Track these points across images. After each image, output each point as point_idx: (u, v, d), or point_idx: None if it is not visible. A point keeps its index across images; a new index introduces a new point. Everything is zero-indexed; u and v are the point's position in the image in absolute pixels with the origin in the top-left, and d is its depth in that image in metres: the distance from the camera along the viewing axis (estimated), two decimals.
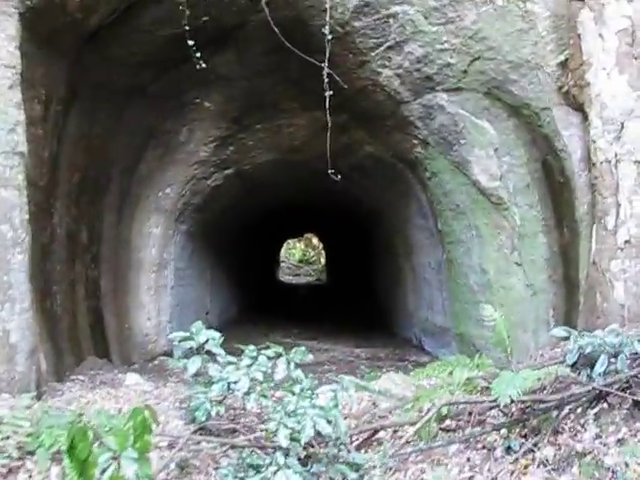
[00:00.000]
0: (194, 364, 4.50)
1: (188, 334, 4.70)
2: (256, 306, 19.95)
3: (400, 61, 7.58)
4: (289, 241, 36.10)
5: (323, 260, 36.67)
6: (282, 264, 36.07)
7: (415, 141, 8.59)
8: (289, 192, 14.62)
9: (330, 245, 29.97)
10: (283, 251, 35.80)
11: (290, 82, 8.96)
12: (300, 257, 39.93)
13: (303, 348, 4.74)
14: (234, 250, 16.95)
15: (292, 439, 3.66)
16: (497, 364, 7.35)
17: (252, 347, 4.62)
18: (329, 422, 3.70)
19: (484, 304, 7.78)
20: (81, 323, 7.76)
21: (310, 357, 4.70)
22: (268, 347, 4.72)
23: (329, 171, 7.90)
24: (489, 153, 7.50)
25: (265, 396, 4.27)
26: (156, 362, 9.74)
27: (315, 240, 37.28)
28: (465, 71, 7.21)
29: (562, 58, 6.16)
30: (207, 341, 4.66)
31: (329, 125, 7.49)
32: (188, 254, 12.12)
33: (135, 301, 9.62)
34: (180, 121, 9.45)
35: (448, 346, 9.86)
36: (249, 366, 4.39)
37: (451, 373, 4.62)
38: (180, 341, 4.65)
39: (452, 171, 8.15)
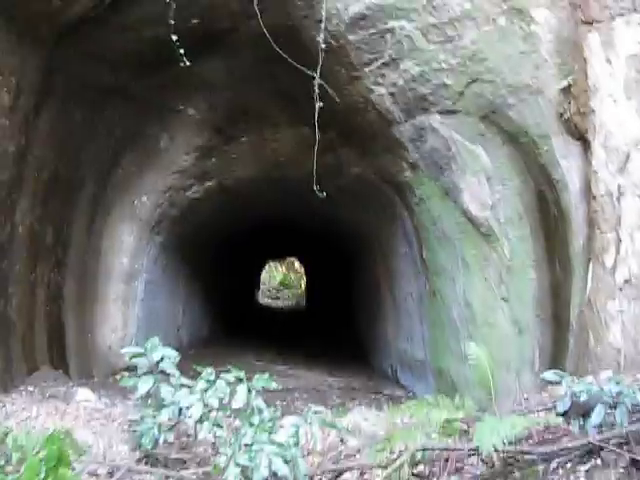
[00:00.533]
0: (145, 384, 4.06)
1: (141, 350, 4.27)
2: (231, 327, 19.46)
3: (394, 79, 7.21)
4: (271, 264, 35.80)
5: (304, 285, 36.35)
6: (262, 286, 35.71)
7: (404, 164, 8.22)
8: (272, 211, 14.23)
9: (311, 270, 29.57)
10: (265, 274, 35.47)
11: (279, 94, 8.60)
12: (281, 280, 39.63)
13: (267, 375, 4.31)
14: (212, 267, 16.51)
15: (245, 477, 3.23)
16: (478, 405, 6.95)
17: (210, 370, 4.18)
18: (287, 462, 3.25)
19: (467, 340, 7.41)
20: (38, 330, 7.26)
21: (274, 385, 4.27)
22: (229, 370, 4.29)
23: (315, 187, 7.49)
24: (481, 180, 7.13)
25: (219, 425, 3.82)
26: (118, 377, 9.26)
27: (297, 264, 37.03)
28: (461, 93, 6.86)
29: (565, 83, 5.80)
30: (162, 359, 4.23)
31: (317, 138, 7.10)
32: (161, 267, 11.67)
33: (101, 311, 9.14)
34: (161, 127, 9.06)
35: (425, 381, 9.44)
36: (205, 390, 3.95)
37: (428, 414, 4.20)
38: (131, 357, 4.21)
39: (441, 197, 7.78)
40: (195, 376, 4.29)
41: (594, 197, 5.33)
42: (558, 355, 6.24)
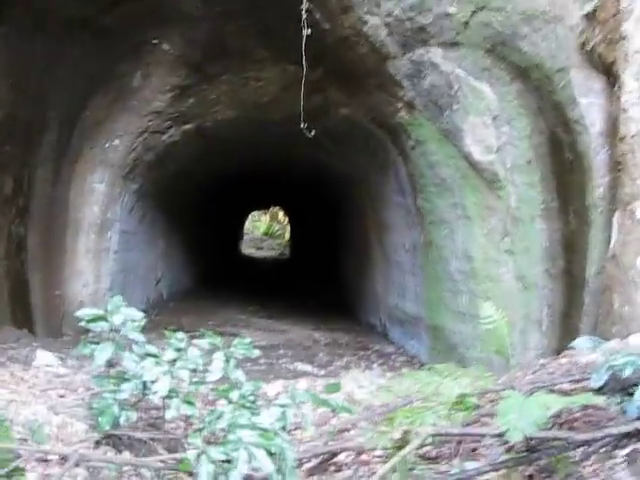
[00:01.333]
0: (102, 353, 3.42)
1: (100, 312, 3.63)
2: (214, 278, 18.88)
3: (390, 8, 6.48)
4: (254, 213, 35.21)
5: (288, 235, 35.87)
6: (246, 236, 35.18)
7: (399, 104, 7.52)
8: (254, 158, 13.48)
9: (296, 219, 28.93)
10: (248, 223, 34.89)
11: (262, 28, 7.85)
12: (265, 230, 39.18)
13: (248, 340, 3.67)
14: (193, 217, 15.81)
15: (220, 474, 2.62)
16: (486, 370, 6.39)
17: (180, 335, 3.54)
18: (271, 454, 2.62)
19: (467, 296, 6.84)
20: None
21: (256, 352, 3.63)
22: (202, 335, 3.66)
23: (302, 125, 6.85)
24: (486, 121, 6.47)
25: (191, 402, 3.20)
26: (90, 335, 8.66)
27: (281, 214, 36.52)
28: (466, 23, 6.15)
29: (589, 8, 5.10)
30: (125, 323, 3.59)
31: (304, 70, 6.39)
32: (138, 217, 10.97)
33: (70, 265, 8.47)
34: (134, 64, 8.27)
35: (418, 337, 8.89)
36: (174, 361, 3.32)
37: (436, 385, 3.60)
38: (89, 321, 3.56)
39: (440, 140, 7.10)
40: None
41: (622, 139, 4.67)
42: (570, 315, 5.68)
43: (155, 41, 8.04)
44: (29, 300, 7.39)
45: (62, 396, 4.22)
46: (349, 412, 3.49)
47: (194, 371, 3.33)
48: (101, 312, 3.64)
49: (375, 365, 8.55)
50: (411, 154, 7.86)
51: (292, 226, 32.29)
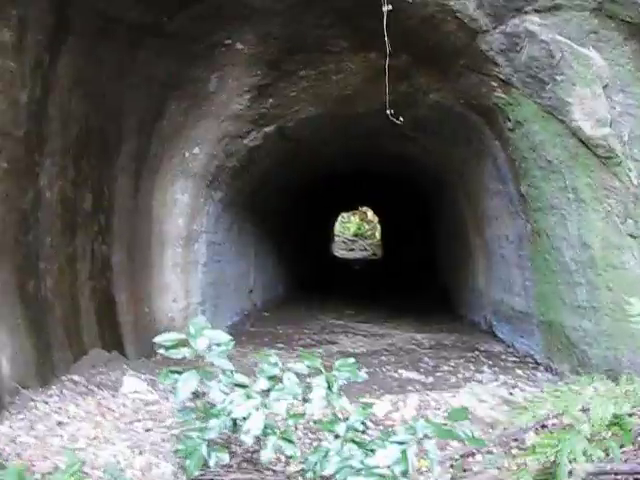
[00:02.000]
0: (186, 385, 2.99)
1: (181, 336, 3.20)
2: (307, 283, 18.54)
3: None
4: (343, 215, 34.84)
5: (378, 234, 35.36)
6: (336, 238, 34.87)
7: (494, 83, 6.88)
8: (339, 157, 13.00)
9: (386, 218, 28.31)
10: (338, 225, 34.56)
11: (338, 16, 7.31)
12: (355, 231, 38.85)
13: (351, 360, 3.17)
14: (282, 222, 15.46)
15: None
16: (612, 370, 5.69)
17: (273, 359, 3.07)
18: None
19: (600, 290, 6.15)
20: (84, 309, 6.32)
21: (363, 376, 3.13)
22: (300, 358, 3.18)
23: (388, 112, 6.33)
24: (596, 91, 5.76)
25: (289, 440, 2.72)
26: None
27: (370, 214, 36.08)
28: None
29: None
30: (210, 348, 3.15)
31: (387, 51, 5.85)
32: (226, 226, 10.65)
33: (157, 281, 8.16)
34: (208, 67, 7.87)
35: (530, 335, 8.19)
36: (267, 391, 2.86)
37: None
38: (169, 348, 3.14)
39: (543, 118, 6.42)
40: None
41: None
42: None
43: (228, 41, 7.63)
44: (117, 320, 7.11)
45: (148, 430, 3.84)
46: (482, 444, 2.93)
47: (293, 401, 2.86)
48: (182, 336, 3.22)
49: (485, 368, 7.91)
50: (510, 137, 7.20)
51: (382, 225, 31.74)
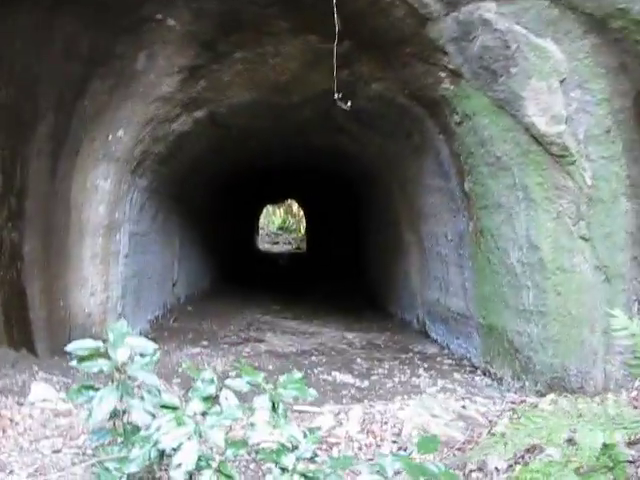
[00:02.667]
0: (103, 404, 2.49)
1: (97, 344, 2.70)
2: (231, 276, 18.01)
3: None
4: (268, 207, 34.38)
5: (303, 228, 35.06)
6: (261, 231, 34.43)
7: (442, 73, 6.54)
8: (270, 146, 12.48)
9: (312, 212, 27.91)
10: (262, 218, 34.06)
11: None
12: (280, 224, 38.48)
13: (298, 376, 2.72)
14: (208, 212, 14.89)
15: None
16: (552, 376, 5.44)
17: (208, 374, 2.60)
18: None
19: (532, 291, 5.86)
20: None
21: (312, 393, 2.69)
22: (238, 370, 2.73)
23: (336, 96, 5.96)
24: (552, 85, 5.47)
25: (228, 476, 2.26)
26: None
27: (295, 207, 35.74)
28: None
29: None
30: (132, 359, 2.66)
31: (337, 29, 5.45)
32: (150, 215, 10.04)
33: (74, 272, 7.51)
34: (136, 44, 7.27)
35: (467, 337, 7.91)
36: (202, 414, 2.39)
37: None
38: (83, 360, 2.63)
39: (494, 112, 6.11)
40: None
41: None
42: None
43: (159, 16, 7.04)
44: (28, 315, 6.46)
45: (57, 451, 3.29)
46: None
47: (231, 426, 2.41)
48: (99, 343, 2.71)
49: (421, 371, 7.59)
50: (457, 131, 6.87)
51: (308, 219, 31.37)
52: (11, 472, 2.94)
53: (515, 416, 3.91)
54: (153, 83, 7.72)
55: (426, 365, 7.94)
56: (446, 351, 8.70)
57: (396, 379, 7.18)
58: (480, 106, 6.26)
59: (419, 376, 7.34)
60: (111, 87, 7.49)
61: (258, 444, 2.44)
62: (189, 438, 2.24)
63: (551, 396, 4.64)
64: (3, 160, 5.88)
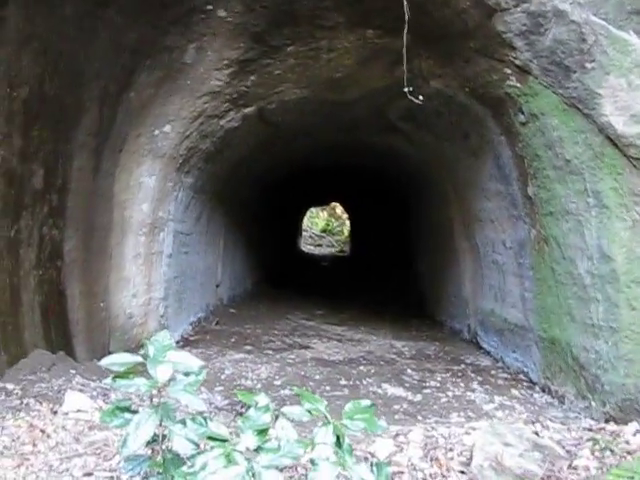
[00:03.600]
0: (140, 430, 2.16)
1: (135, 359, 2.37)
2: (275, 278, 17.76)
3: None
4: (312, 210, 34.12)
5: (346, 231, 34.77)
6: (304, 233, 34.22)
7: (508, 70, 6.12)
8: (319, 146, 12.15)
9: (357, 214, 27.53)
10: (306, 220, 33.83)
11: None
12: (323, 227, 38.26)
13: (367, 404, 2.35)
14: (252, 213, 14.62)
15: None
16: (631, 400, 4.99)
17: (263, 399, 2.25)
18: None
19: (621, 308, 5.40)
20: (26, 302, 5.43)
21: (383, 427, 2.32)
22: (298, 398, 2.37)
23: (405, 89, 5.65)
24: (633, 82, 5.03)
25: None
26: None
27: (339, 210, 35.46)
28: None
29: None
30: (174, 378, 2.32)
31: (407, 17, 5.09)
32: (195, 215, 9.79)
33: (116, 272, 7.27)
34: (185, 36, 6.99)
35: (525, 351, 7.46)
36: (256, 450, 2.04)
37: None
38: (118, 378, 2.30)
39: (564, 112, 5.67)
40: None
41: None
42: None
43: (209, 7, 6.75)
44: (67, 316, 6.21)
45: (89, 474, 2.97)
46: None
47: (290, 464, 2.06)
48: (137, 358, 2.38)
49: (475, 385, 7.19)
50: (521, 131, 6.44)
51: (352, 222, 31.02)
52: None
53: (597, 447, 3.49)
54: (202, 77, 7.45)
55: (480, 379, 7.52)
56: (500, 364, 8.26)
57: (450, 393, 6.79)
58: (549, 105, 5.83)
59: (474, 390, 6.94)
60: (158, 80, 7.23)
61: None
62: (240, 477, 1.90)
63: (634, 425, 4.20)
64: (45, 155, 5.62)
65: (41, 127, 5.49)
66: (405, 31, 5.53)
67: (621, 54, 5.01)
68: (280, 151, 11.53)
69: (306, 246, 33.96)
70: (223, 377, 7.05)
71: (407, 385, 7.10)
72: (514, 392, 6.82)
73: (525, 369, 7.48)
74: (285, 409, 2.23)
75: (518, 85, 6.12)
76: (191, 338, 9.34)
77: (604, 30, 5.02)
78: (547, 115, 5.91)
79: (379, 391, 6.78)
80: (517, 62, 5.93)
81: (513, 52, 5.88)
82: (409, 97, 5.81)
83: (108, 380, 2.31)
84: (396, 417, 5.62)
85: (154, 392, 2.32)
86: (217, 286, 12.10)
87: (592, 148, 5.47)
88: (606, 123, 5.24)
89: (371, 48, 7.23)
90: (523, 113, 6.27)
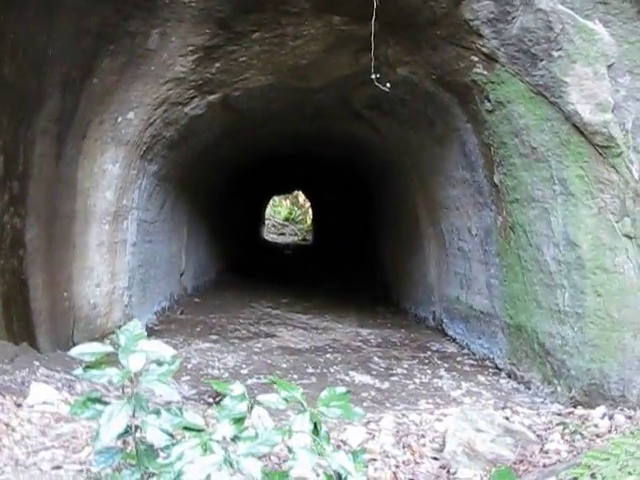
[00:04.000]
0: (113, 422, 2.11)
1: (106, 349, 2.31)
2: (238, 267, 17.67)
3: None
4: (274, 198, 34.00)
5: (309, 220, 34.73)
6: (267, 222, 34.12)
7: (475, 57, 6.13)
8: (283, 135, 12.08)
9: (319, 203, 27.51)
10: (268, 209, 33.71)
11: None
12: (286, 215, 38.19)
13: (343, 390, 2.33)
14: (216, 201, 14.52)
15: None
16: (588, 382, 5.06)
17: (237, 388, 2.21)
18: None
19: (586, 295, 5.46)
20: None
21: (360, 413, 2.30)
22: (271, 382, 2.35)
23: (372, 76, 5.63)
24: (598, 71, 5.07)
25: None
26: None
27: (302, 198, 35.41)
28: None
29: None
30: (147, 368, 2.28)
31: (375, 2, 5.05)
32: (159, 203, 9.68)
33: (79, 261, 7.14)
34: (149, 21, 6.83)
35: (490, 337, 7.53)
36: (232, 440, 2.01)
37: None
38: (89, 368, 2.25)
39: (531, 100, 5.71)
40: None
41: None
42: None
43: None
44: (29, 306, 6.08)
45: (57, 467, 2.91)
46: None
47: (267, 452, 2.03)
48: (108, 348, 2.32)
49: (442, 371, 7.24)
50: (488, 119, 6.48)
51: (315, 210, 30.99)
52: None
53: (567, 431, 3.53)
54: (166, 63, 7.33)
55: (446, 365, 7.58)
56: (466, 351, 8.33)
57: (417, 380, 6.83)
58: (516, 93, 5.86)
59: (441, 377, 6.99)
60: (121, 66, 7.09)
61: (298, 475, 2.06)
62: (218, 469, 1.86)
63: (602, 409, 4.26)
64: (5, 141, 5.48)
65: (0, 113, 5.36)
66: (373, 19, 5.48)
67: (587, 43, 5.05)
68: (245, 139, 11.44)
69: (269, 235, 33.87)
70: (189, 367, 6.99)
71: (374, 373, 7.12)
72: (480, 378, 6.88)
73: (491, 355, 7.54)
74: (261, 397, 2.19)
75: (485, 73, 6.14)
76: (156, 328, 9.25)
77: (571, 19, 5.05)
78: (513, 103, 5.94)
79: (346, 379, 6.78)
80: (484, 50, 5.95)
81: (480, 40, 5.90)
82: (376, 84, 5.77)
83: (79, 371, 2.25)
84: (365, 404, 5.62)
85: (126, 382, 2.27)
86: (181, 275, 11.99)
87: (558, 136, 5.52)
88: (572, 111, 5.28)
89: (337, 35, 7.17)
90: (489, 101, 6.30)
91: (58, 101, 6.33)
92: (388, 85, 5.98)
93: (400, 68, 7.30)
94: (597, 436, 3.52)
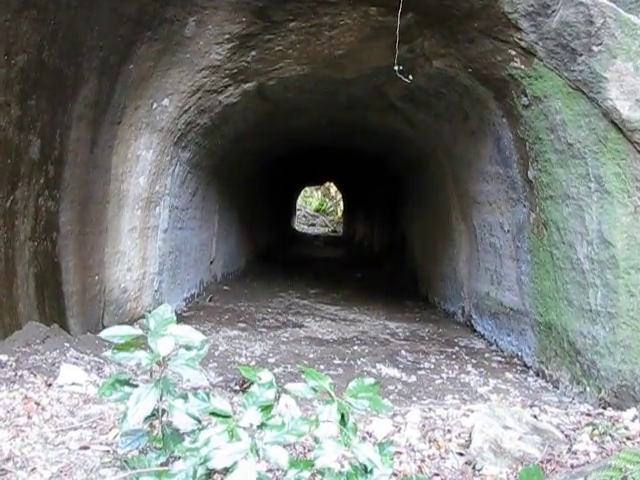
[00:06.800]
0: (140, 405, 2.12)
1: (136, 332, 2.33)
2: (268, 256, 17.74)
3: None
4: (306, 189, 34.03)
5: (340, 211, 34.75)
6: (297, 212, 34.19)
7: (512, 51, 6.05)
8: (317, 124, 12.03)
9: (351, 195, 27.45)
10: (299, 199, 33.78)
11: None
12: (317, 206, 38.24)
13: (371, 380, 2.31)
14: (247, 190, 14.55)
15: None
16: (627, 387, 4.97)
17: (266, 375, 2.21)
18: None
19: (619, 295, 5.37)
20: (20, 274, 5.37)
21: (388, 406, 2.29)
22: (299, 371, 2.34)
23: (395, 67, 5.60)
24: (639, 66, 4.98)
25: None
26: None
27: (333, 190, 35.42)
28: None
29: None
30: (175, 352, 2.28)
31: None
32: (191, 191, 9.72)
33: (111, 246, 7.20)
34: (186, 8, 6.86)
35: (519, 335, 7.45)
36: (259, 427, 2.01)
37: None
38: (119, 349, 2.26)
39: (568, 95, 5.61)
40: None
41: None
42: None
43: None
44: (61, 288, 6.15)
45: (85, 447, 2.93)
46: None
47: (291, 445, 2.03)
48: (138, 331, 2.34)
49: (470, 367, 7.18)
50: (524, 114, 6.39)
51: (346, 202, 30.96)
52: (33, 470, 2.60)
53: (596, 432, 3.48)
54: (201, 51, 7.35)
55: (474, 361, 7.52)
56: (494, 347, 8.26)
57: (444, 375, 6.79)
58: (553, 88, 5.77)
59: (468, 373, 6.93)
60: (158, 53, 7.13)
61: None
62: (245, 457, 1.86)
63: (633, 411, 4.19)
64: (42, 125, 5.53)
65: (39, 97, 5.40)
66: (400, 9, 5.43)
67: (629, 37, 4.95)
68: (278, 128, 11.44)
69: (300, 225, 33.96)
70: (217, 354, 7.02)
71: (401, 366, 7.09)
72: (508, 375, 6.82)
73: (519, 353, 7.47)
74: (289, 386, 2.19)
75: (522, 67, 6.05)
76: (185, 314, 9.31)
77: (613, 12, 4.96)
78: (550, 98, 5.85)
79: (373, 371, 6.77)
80: (522, 44, 5.86)
81: (518, 33, 5.81)
82: (398, 75, 5.75)
83: (108, 353, 2.27)
84: (391, 397, 5.61)
85: (154, 366, 2.28)
86: (211, 263, 12.05)
87: (595, 132, 5.42)
88: (611, 107, 5.19)
89: (373, 26, 7.12)
90: (526, 95, 6.21)
91: (95, 86, 6.37)
92: (410, 77, 5.91)
93: (436, 61, 7.24)
94: (628, 439, 3.46)
